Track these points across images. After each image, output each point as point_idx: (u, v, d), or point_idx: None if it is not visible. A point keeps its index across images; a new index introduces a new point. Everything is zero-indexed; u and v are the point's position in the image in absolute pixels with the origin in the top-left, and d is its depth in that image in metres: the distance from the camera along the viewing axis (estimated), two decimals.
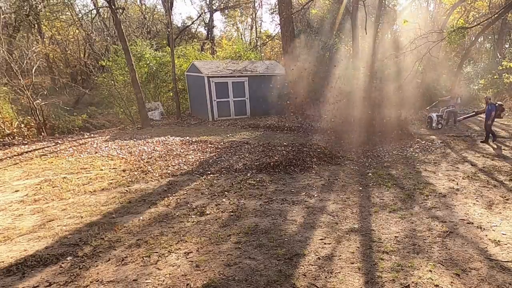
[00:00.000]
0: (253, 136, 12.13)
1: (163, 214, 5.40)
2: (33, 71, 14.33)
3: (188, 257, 4.11)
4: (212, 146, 10.42)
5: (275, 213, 5.41)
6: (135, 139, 11.73)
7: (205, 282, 3.59)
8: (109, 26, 21.52)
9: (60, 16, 19.68)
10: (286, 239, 4.52)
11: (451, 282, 3.57)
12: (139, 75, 18.11)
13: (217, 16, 46.90)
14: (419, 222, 5.03)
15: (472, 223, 4.95)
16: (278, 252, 4.17)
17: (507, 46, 24.90)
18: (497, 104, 10.99)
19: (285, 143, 10.31)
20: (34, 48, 15.42)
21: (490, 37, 26.61)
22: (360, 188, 6.58)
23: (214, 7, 33.36)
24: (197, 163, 8.52)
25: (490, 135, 10.80)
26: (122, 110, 17.54)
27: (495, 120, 11.16)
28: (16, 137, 12.35)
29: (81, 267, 3.93)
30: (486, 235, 4.58)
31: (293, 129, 12.82)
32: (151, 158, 9.06)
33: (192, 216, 5.33)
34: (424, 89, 18.20)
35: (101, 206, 5.79)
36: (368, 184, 6.83)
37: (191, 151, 9.73)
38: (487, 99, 11.11)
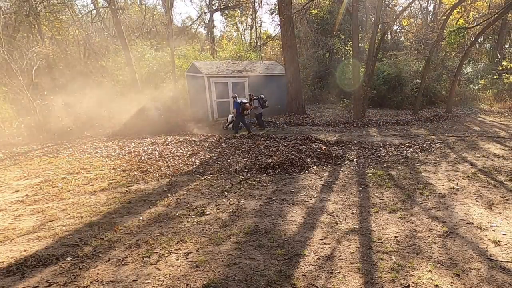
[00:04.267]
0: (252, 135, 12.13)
1: (163, 214, 5.40)
2: (33, 71, 14.31)
3: (188, 257, 4.11)
4: (212, 145, 10.43)
5: (275, 213, 5.41)
6: (135, 139, 11.73)
7: (205, 282, 3.59)
8: (109, 26, 21.54)
9: (60, 17, 19.67)
10: (286, 240, 4.52)
11: (451, 282, 3.57)
12: (139, 76, 18.13)
13: (217, 16, 46.95)
14: (419, 222, 5.03)
15: (472, 223, 4.95)
16: (278, 253, 4.17)
17: (507, 46, 24.91)
18: (240, 101, 11.93)
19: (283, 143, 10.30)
20: (34, 48, 15.39)
21: (490, 37, 26.63)
22: (360, 188, 6.58)
23: (214, 7, 33.39)
24: (197, 163, 8.52)
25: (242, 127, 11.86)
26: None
27: (247, 117, 12.78)
28: (16, 137, 12.35)
29: (81, 267, 3.93)
30: (486, 235, 4.58)
31: None
32: (151, 158, 9.06)
33: (192, 216, 5.33)
34: (423, 89, 18.20)
35: (101, 206, 5.79)
36: (368, 184, 6.82)
37: (191, 151, 9.73)
38: (234, 98, 12.20)
